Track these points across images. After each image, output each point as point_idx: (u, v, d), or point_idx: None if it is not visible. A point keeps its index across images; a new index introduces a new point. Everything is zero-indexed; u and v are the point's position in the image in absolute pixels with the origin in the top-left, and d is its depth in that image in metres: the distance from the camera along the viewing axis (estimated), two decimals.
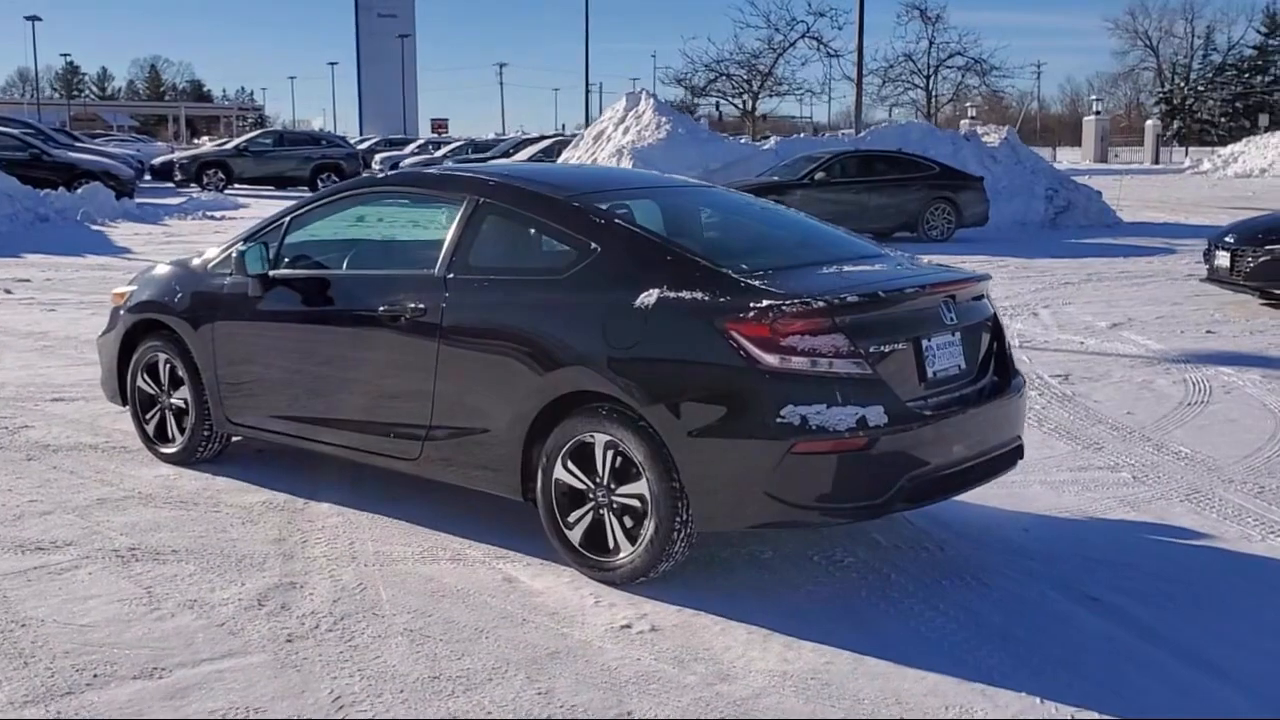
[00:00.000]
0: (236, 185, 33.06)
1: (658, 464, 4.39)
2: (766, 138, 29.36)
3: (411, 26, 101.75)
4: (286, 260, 5.74)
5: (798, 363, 4.24)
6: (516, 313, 4.83)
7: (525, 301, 4.83)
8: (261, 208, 26.33)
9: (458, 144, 46.61)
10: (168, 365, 6.21)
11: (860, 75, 31.06)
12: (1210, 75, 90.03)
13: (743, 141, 27.41)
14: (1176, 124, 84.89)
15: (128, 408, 6.55)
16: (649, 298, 4.48)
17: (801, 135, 29.67)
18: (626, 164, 22.62)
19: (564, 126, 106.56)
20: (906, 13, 52.24)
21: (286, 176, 33.68)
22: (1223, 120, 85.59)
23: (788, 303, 4.28)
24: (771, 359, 4.24)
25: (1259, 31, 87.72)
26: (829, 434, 4.21)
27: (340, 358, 5.41)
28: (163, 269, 6.45)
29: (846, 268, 4.90)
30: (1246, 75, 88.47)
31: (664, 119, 23.58)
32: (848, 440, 4.22)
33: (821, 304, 4.31)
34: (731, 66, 48.26)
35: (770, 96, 47.46)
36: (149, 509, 5.59)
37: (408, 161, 43.16)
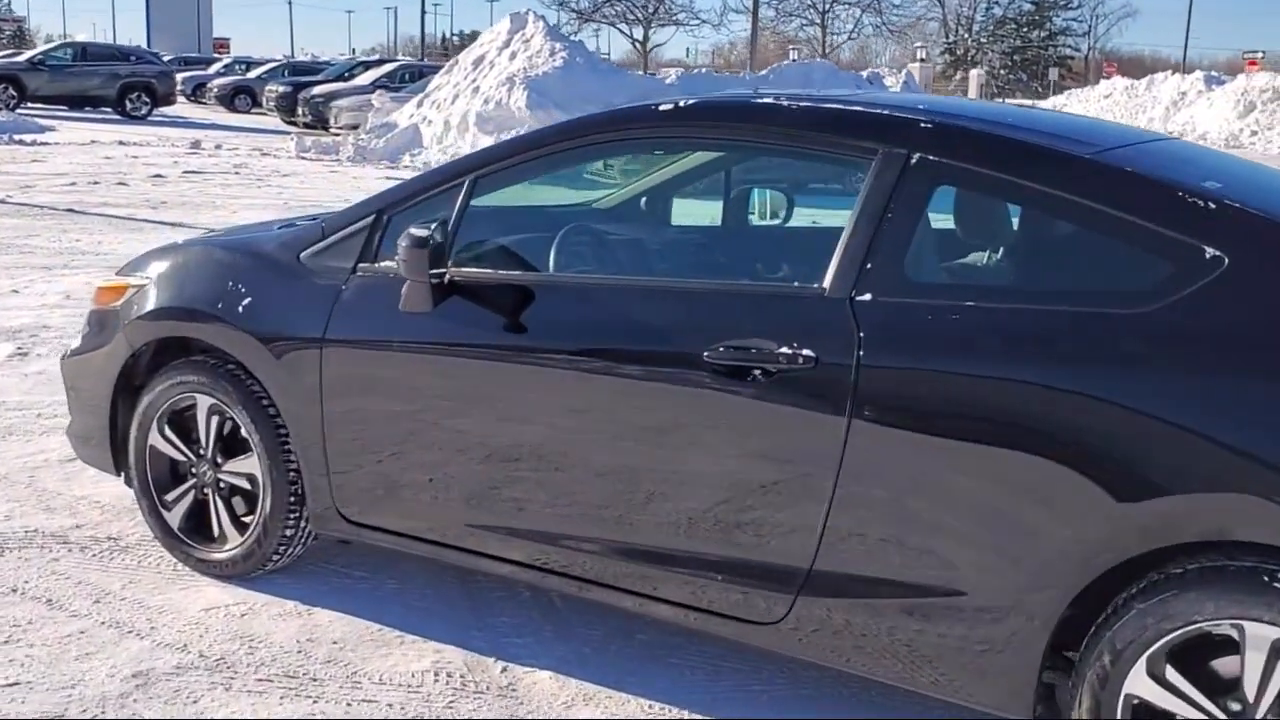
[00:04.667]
0: (29, 104, 28.75)
1: None
2: (665, 75, 27.04)
3: None
4: (468, 250, 3.30)
5: None
6: (1037, 371, 2.57)
7: (1060, 353, 2.57)
8: (71, 131, 22.64)
9: (274, 65, 42.46)
10: (215, 417, 3.67)
11: (756, 4, 28.92)
12: (991, 28, 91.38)
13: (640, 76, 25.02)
14: (959, 75, 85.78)
15: (125, 479, 3.97)
16: None
17: (703, 70, 27.46)
18: (519, 95, 20.06)
19: (354, 51, 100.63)
20: None
21: (90, 95, 29.62)
22: (1003, 73, 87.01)
23: None
24: None
25: None
26: None
27: (605, 432, 3.04)
28: (203, 252, 3.87)
29: None
30: (1025, 29, 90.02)
31: (557, 45, 21.03)
32: None
33: None
34: None
35: (663, 26, 44.28)
36: (243, 700, 3.11)
37: (217, 84, 39.02)
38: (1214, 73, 41.94)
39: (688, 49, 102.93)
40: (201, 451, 3.76)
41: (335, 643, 3.43)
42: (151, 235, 10.74)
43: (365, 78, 30.50)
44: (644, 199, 4.38)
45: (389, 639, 3.46)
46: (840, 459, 2.73)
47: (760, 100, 3.11)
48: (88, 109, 29.56)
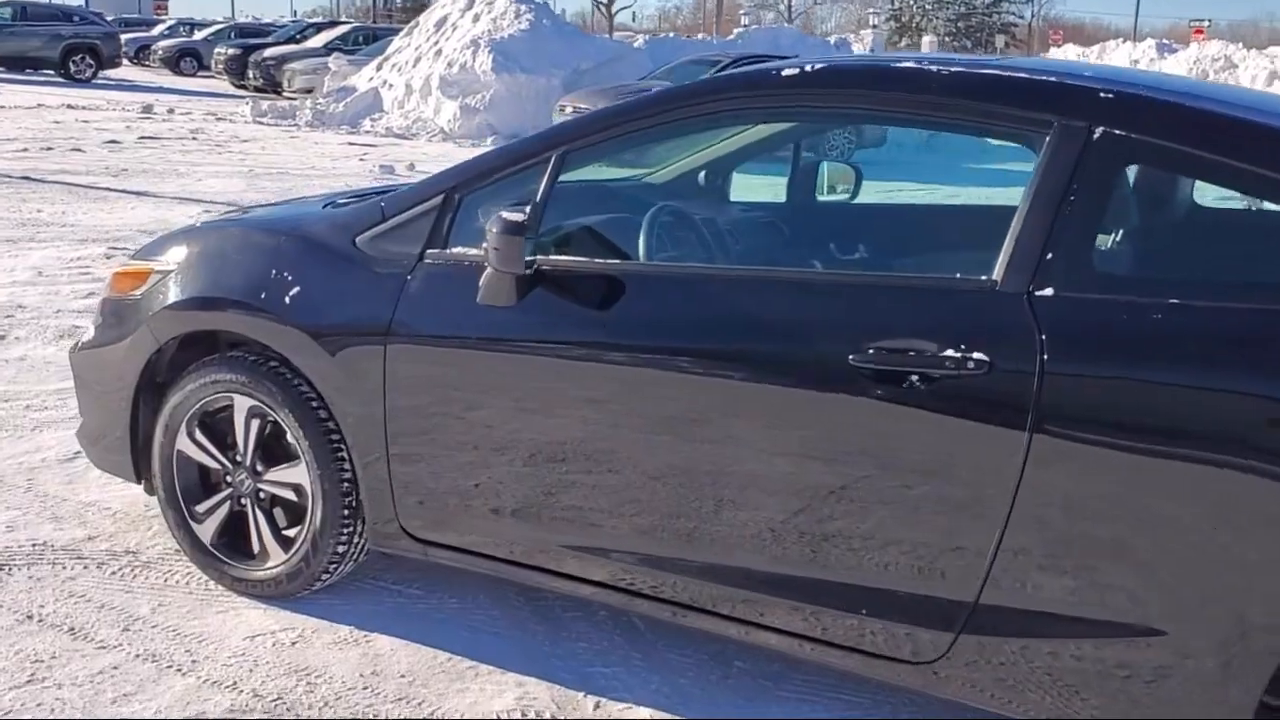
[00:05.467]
0: None
1: None
2: (632, 39, 26.50)
3: None
4: (555, 235, 2.90)
5: None
6: (1254, 379, 2.23)
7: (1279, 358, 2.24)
8: (14, 94, 21.77)
9: (220, 27, 41.33)
10: (256, 420, 3.26)
11: None
12: None
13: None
14: (905, 42, 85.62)
15: (145, 487, 3.55)
16: None
17: (671, 35, 26.93)
18: (484, 58, 19.51)
19: (296, 14, 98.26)
20: None
21: (30, 57, 28.54)
22: (948, 40, 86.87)
23: None
24: None
25: None
26: None
27: (724, 445, 2.67)
28: (240, 234, 3.44)
29: None
30: None
31: (522, 7, 20.45)
32: None
33: None
34: None
35: None
36: None
37: (161, 46, 37.85)
38: (1165, 40, 41.93)
39: (633, 13, 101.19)
40: (238, 458, 3.35)
41: (403, 676, 3.05)
42: (117, 204, 10.19)
43: (318, 40, 29.71)
44: (703, 173, 4.00)
45: (462, 670, 3.09)
46: (1018, 478, 2.38)
47: (903, 65, 2.74)
48: (29, 71, 28.52)
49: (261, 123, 19.87)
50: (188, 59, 35.71)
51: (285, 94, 25.11)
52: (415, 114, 19.76)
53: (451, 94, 19.49)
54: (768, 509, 2.64)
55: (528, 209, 2.72)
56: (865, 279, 2.61)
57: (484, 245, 2.75)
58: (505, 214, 2.69)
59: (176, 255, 3.42)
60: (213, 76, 31.88)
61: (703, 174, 4.01)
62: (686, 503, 2.72)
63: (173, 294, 3.34)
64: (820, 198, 3.82)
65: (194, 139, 16.35)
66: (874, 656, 2.62)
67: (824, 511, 2.58)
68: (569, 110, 17.25)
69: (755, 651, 3.00)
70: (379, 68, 21.65)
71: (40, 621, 3.21)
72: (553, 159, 2.92)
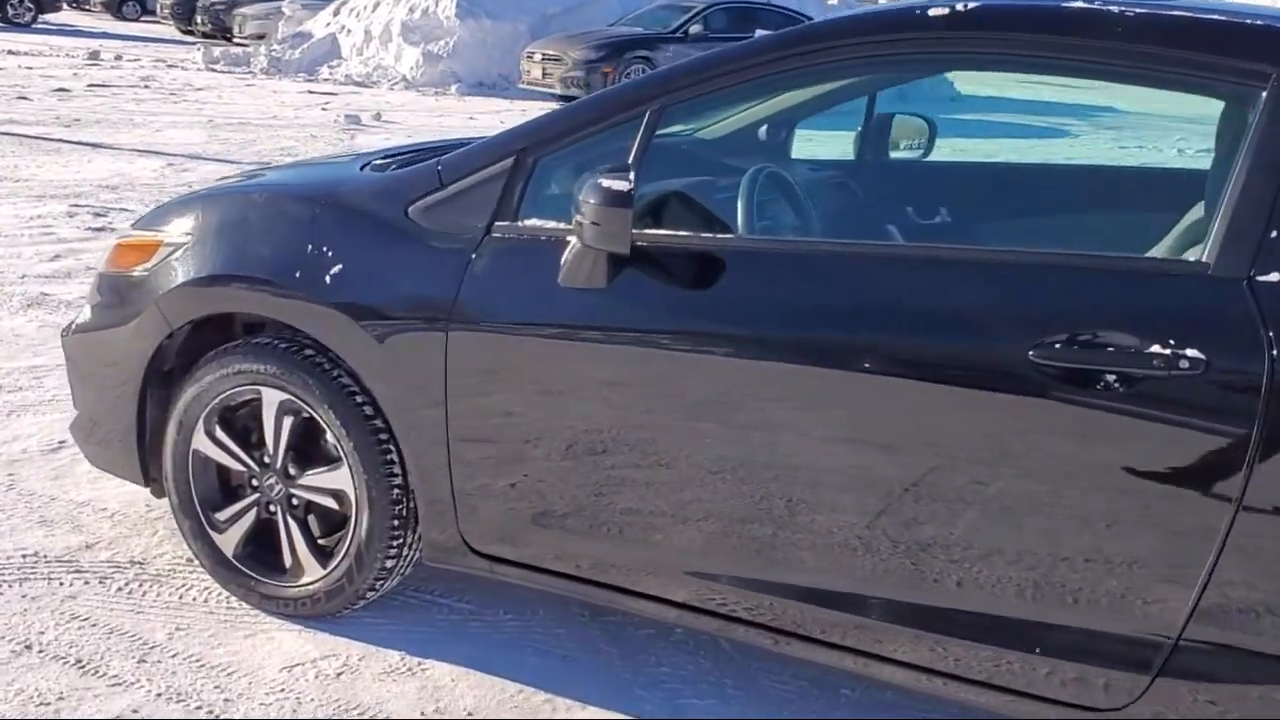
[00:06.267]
0: None
1: None
2: None
3: None
4: (644, 205, 2.46)
5: None
6: None
7: None
8: None
9: None
10: (289, 417, 2.82)
11: None
12: None
13: None
14: None
15: (153, 490, 3.11)
16: None
17: None
18: (447, 3, 18.86)
19: None
20: None
21: None
22: None
23: None
24: None
25: None
26: None
27: (864, 452, 2.27)
28: (268, 201, 2.95)
29: None
30: None
31: None
32: None
33: None
34: None
35: None
36: None
37: None
38: None
39: None
40: (266, 459, 2.90)
41: (470, 714, 2.64)
42: (72, 157, 9.59)
43: None
44: (764, 128, 3.58)
45: (537, 704, 2.69)
46: (1239, 496, 2.00)
47: (1079, 6, 2.31)
48: None
49: (215, 70, 19.11)
50: (130, 3, 34.50)
51: (235, 40, 24.25)
52: (375, 61, 19.08)
53: (413, 40, 18.82)
54: (926, 529, 2.24)
55: (630, 175, 2.28)
56: (1044, 258, 2.19)
57: (576, 218, 2.31)
58: (607, 181, 2.25)
59: (190, 225, 2.95)
60: (158, 21, 30.82)
61: (764, 129, 3.59)
62: (810, 513, 2.33)
63: (188, 270, 2.88)
64: (933, 159, 3.41)
65: (146, 87, 15.62)
66: (1042, 700, 2.24)
67: (994, 533, 2.19)
68: (537, 58, 16.69)
69: (863, 678, 2.61)
70: (336, 13, 20.90)
71: (41, 652, 2.77)
72: (648, 114, 2.48)
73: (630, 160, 2.42)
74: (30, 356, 4.74)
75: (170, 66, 19.08)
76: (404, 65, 18.69)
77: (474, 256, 2.57)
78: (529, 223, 2.56)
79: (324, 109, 14.48)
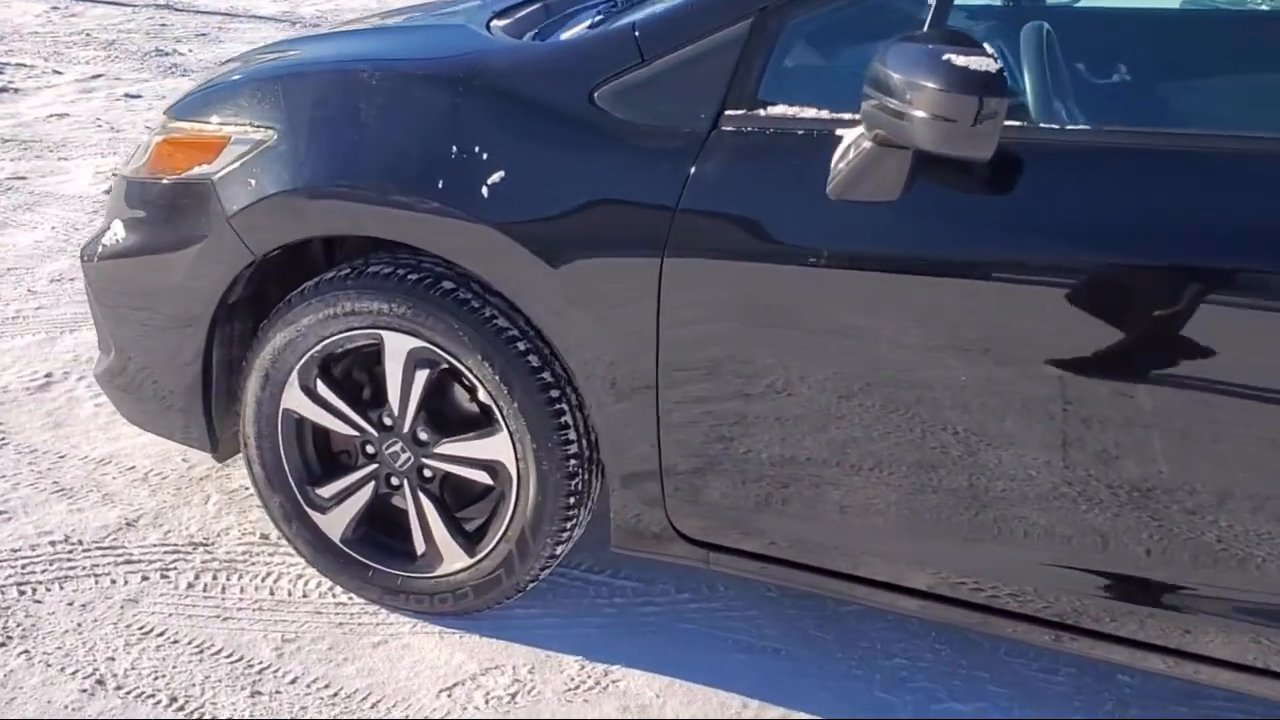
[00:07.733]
0: None
1: None
2: None
3: None
4: None
5: None
6: None
7: None
8: None
9: None
10: (423, 370, 2.15)
11: None
12: None
13: None
14: None
15: (220, 454, 2.43)
16: None
17: None
18: None
19: None
20: None
21: None
22: None
23: None
24: None
25: None
26: None
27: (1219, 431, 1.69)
28: (389, 81, 2.15)
29: None
30: None
31: None
32: None
33: None
34: None
35: None
36: None
37: None
38: None
39: None
40: (388, 421, 2.24)
41: None
42: None
43: None
44: None
45: None
46: None
47: None
48: None
49: None
50: None
51: None
52: None
53: None
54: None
55: (983, 49, 1.63)
56: None
57: (870, 105, 1.66)
58: (963, 59, 1.59)
59: (271, 114, 2.21)
60: None
61: None
62: (1145, 510, 1.77)
63: (278, 177, 2.15)
64: None
65: None
66: None
67: None
68: None
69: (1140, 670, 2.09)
70: None
71: (120, 689, 2.11)
72: None
73: (925, 26, 1.75)
74: None
75: None
76: None
77: (698, 157, 1.90)
78: (775, 110, 1.89)
79: None
